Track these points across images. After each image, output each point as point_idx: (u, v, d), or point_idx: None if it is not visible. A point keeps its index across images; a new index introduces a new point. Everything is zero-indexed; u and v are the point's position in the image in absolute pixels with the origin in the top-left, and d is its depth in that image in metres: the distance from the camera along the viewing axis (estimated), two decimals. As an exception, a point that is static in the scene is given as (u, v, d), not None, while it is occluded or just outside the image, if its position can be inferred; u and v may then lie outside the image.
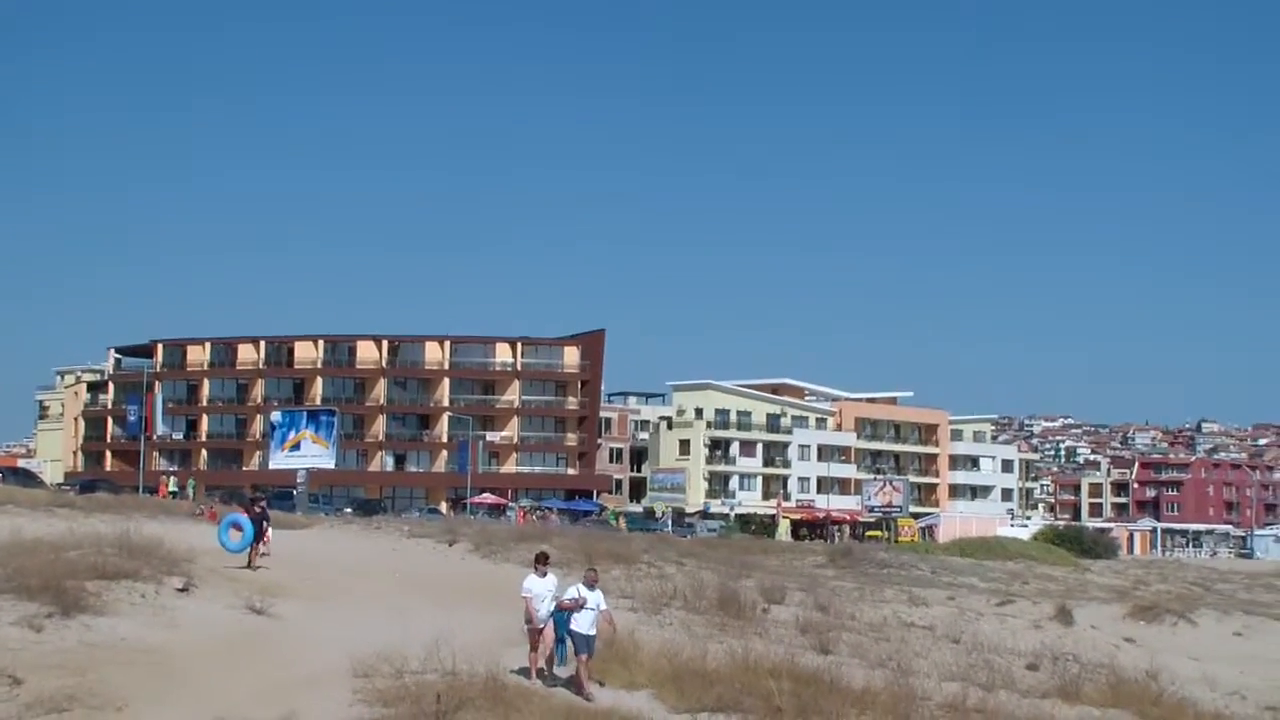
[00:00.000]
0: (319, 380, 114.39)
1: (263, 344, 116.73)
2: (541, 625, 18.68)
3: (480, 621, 22.65)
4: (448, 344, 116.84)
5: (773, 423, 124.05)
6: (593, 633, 18.10)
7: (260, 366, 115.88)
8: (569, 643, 18.35)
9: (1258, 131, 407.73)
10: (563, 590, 18.87)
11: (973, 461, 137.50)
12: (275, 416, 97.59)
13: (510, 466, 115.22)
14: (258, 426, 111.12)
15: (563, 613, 18.30)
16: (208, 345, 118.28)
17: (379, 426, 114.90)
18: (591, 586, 18.57)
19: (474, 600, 26.24)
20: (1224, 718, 21.19)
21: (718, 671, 19.43)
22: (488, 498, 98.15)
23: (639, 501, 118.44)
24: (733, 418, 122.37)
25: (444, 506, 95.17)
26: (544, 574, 19.16)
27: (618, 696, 18.16)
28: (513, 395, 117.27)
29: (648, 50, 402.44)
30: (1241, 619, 42.87)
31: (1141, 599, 46.18)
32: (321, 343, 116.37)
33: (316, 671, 17.75)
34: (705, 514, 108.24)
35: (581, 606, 18.07)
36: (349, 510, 75.52)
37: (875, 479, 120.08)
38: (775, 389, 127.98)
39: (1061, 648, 29.90)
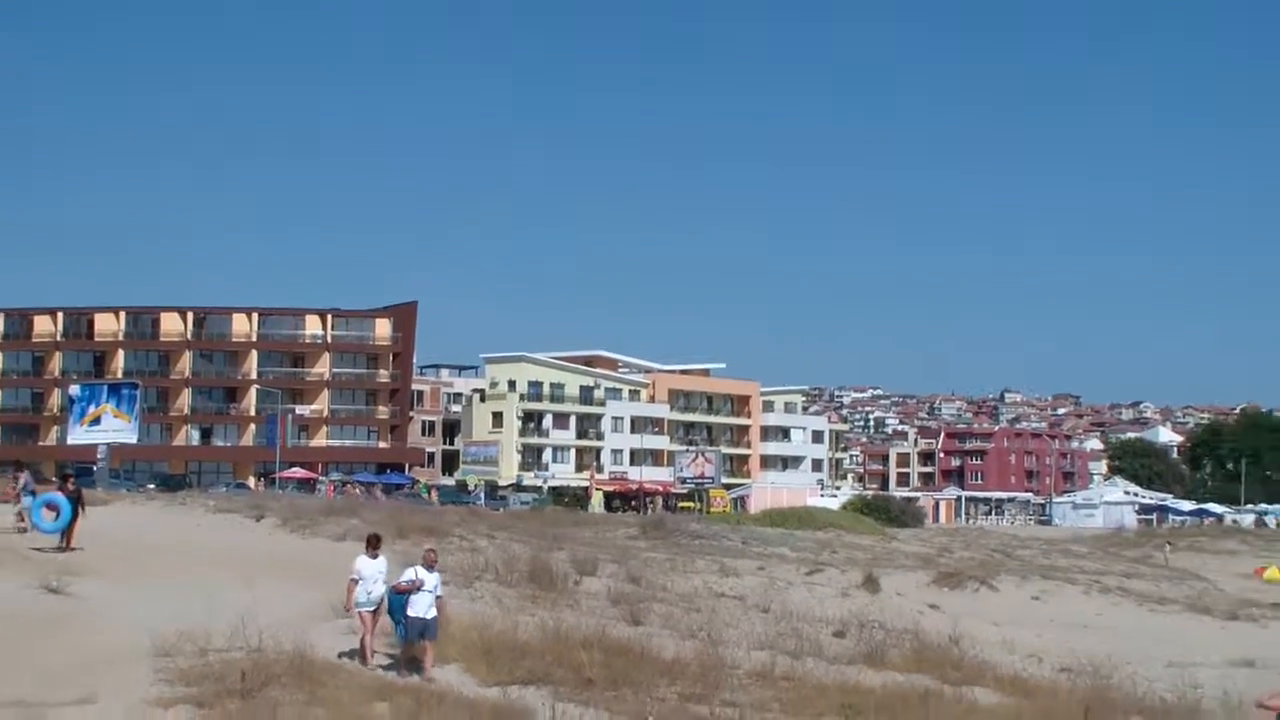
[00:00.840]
0: (120, 353, 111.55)
1: (60, 315, 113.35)
2: (371, 609, 18.16)
3: (288, 597, 22.38)
4: (255, 316, 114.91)
5: (586, 395, 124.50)
6: (432, 616, 17.65)
7: (58, 339, 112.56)
8: (406, 625, 17.69)
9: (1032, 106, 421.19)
10: (396, 574, 18.52)
11: (784, 432, 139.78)
12: (74, 390, 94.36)
13: (320, 440, 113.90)
14: (55, 400, 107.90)
15: (400, 595, 17.74)
16: (0, 316, 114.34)
17: (184, 400, 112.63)
18: (430, 568, 18.16)
19: (282, 576, 25.86)
20: (1021, 680, 21.88)
21: (529, 644, 19.49)
22: (297, 472, 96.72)
23: (452, 475, 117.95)
24: (546, 390, 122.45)
25: (252, 481, 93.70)
26: (375, 556, 18.63)
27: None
28: (322, 368, 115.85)
29: (455, 28, 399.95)
30: (1039, 584, 44.36)
31: (945, 566, 47.42)
32: (123, 314, 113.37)
33: (117, 651, 17.33)
34: (518, 487, 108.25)
35: (419, 588, 17.61)
36: (152, 486, 73.78)
37: (688, 450, 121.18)
38: (589, 361, 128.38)
39: (868, 615, 30.55)
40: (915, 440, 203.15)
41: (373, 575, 18.30)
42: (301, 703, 14.60)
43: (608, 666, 18.18)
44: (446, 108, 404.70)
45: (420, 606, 17.54)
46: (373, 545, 18.98)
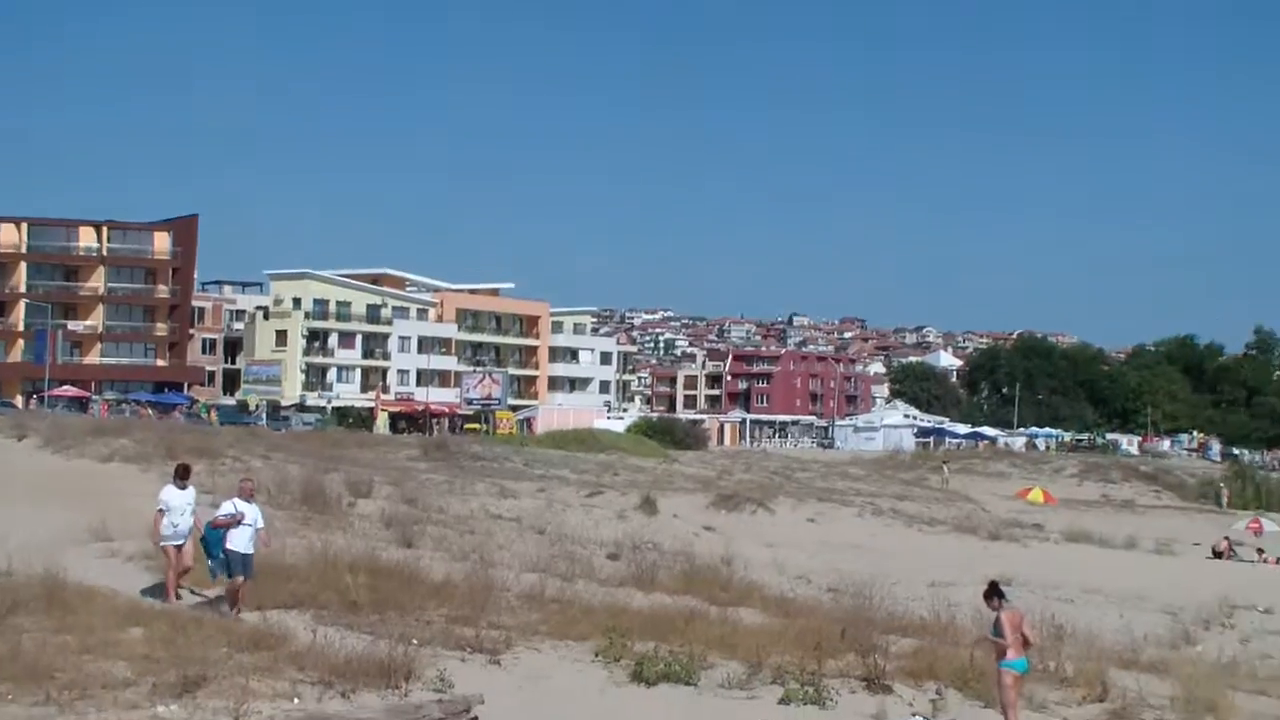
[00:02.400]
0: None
1: None
2: (178, 544, 17.52)
3: (44, 520, 21.79)
4: (24, 226, 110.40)
5: (373, 314, 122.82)
6: (251, 551, 17.04)
7: None
8: (225, 562, 17.01)
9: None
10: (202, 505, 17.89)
11: (572, 354, 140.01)
12: None
13: (94, 358, 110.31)
14: None
15: (217, 530, 17.06)
16: None
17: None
18: (249, 499, 17.53)
19: (39, 498, 25.15)
20: (787, 600, 22.46)
21: (295, 567, 19.34)
22: (68, 390, 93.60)
23: (233, 394, 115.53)
24: (332, 308, 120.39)
25: (19, 400, 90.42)
26: (184, 486, 17.99)
27: (185, 596, 17.88)
28: (97, 282, 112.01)
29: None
30: (815, 506, 45.51)
31: (724, 489, 48.28)
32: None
33: None
34: (302, 407, 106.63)
35: (239, 522, 16.97)
36: (-92, 404, 70.80)
37: (475, 371, 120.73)
38: (376, 279, 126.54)
39: (643, 537, 31.04)
40: (703, 363, 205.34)
41: (180, 506, 17.71)
42: (50, 629, 14.23)
43: (374, 590, 18.13)
44: (233, 22, 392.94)
45: (240, 541, 16.91)
46: (181, 475, 18.30)
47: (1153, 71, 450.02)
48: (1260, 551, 44.05)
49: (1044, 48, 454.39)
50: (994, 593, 13.89)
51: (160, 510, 17.62)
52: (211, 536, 17.18)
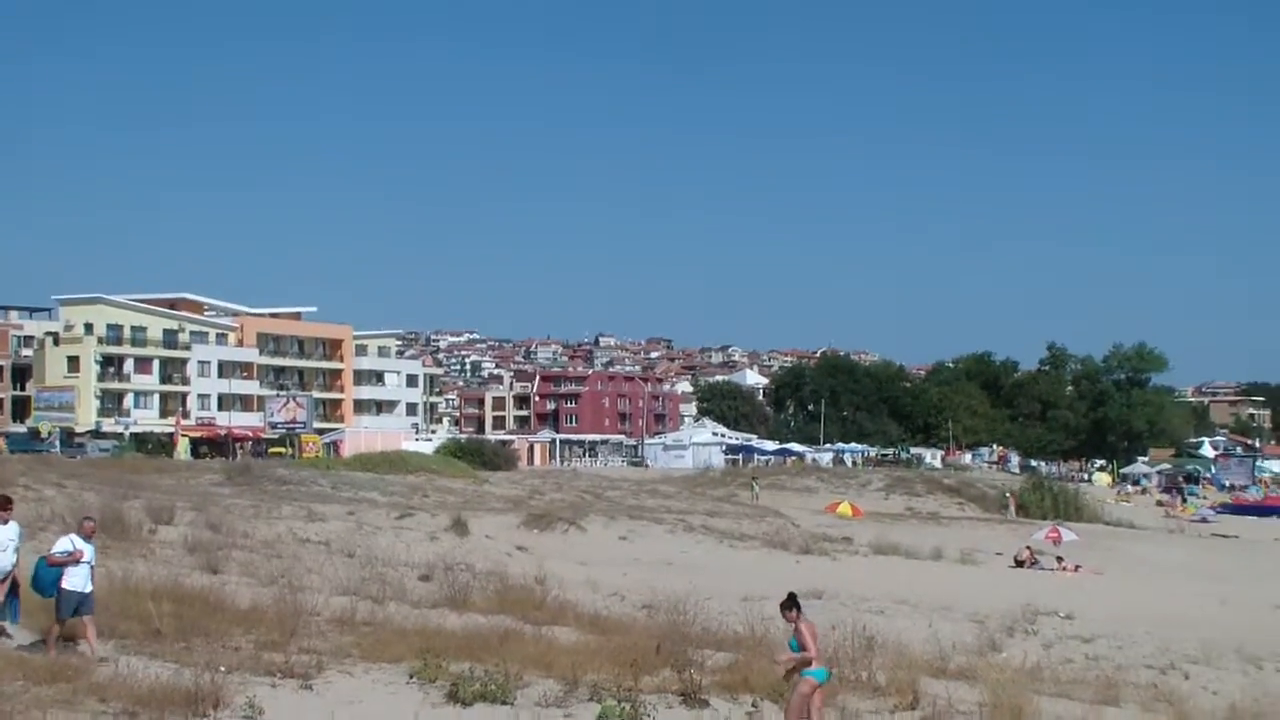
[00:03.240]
0: None
1: None
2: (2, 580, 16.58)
3: None
4: None
5: (170, 339, 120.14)
6: (89, 589, 16.13)
7: None
8: (58, 602, 15.94)
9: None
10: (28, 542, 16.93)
11: (378, 376, 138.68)
12: None
13: None
14: None
15: (52, 569, 16.04)
16: None
17: None
18: (88, 538, 16.58)
19: None
20: (602, 617, 22.47)
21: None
22: None
23: (23, 422, 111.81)
24: (126, 333, 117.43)
25: None
26: (5, 520, 16.95)
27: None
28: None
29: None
30: (627, 524, 45.68)
31: (536, 508, 48.22)
32: None
33: None
34: (97, 433, 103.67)
35: (78, 561, 16.04)
36: None
37: (278, 395, 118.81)
38: (173, 304, 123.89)
39: (455, 558, 30.80)
40: (511, 384, 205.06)
41: (3, 543, 16.74)
42: None
43: (179, 617, 17.70)
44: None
45: (78, 580, 16.00)
46: (2, 508, 17.17)
47: (938, 87, 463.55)
48: (1059, 560, 45.37)
49: (825, 59, 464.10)
50: (791, 604, 14.02)
51: None
52: (45, 576, 16.19)
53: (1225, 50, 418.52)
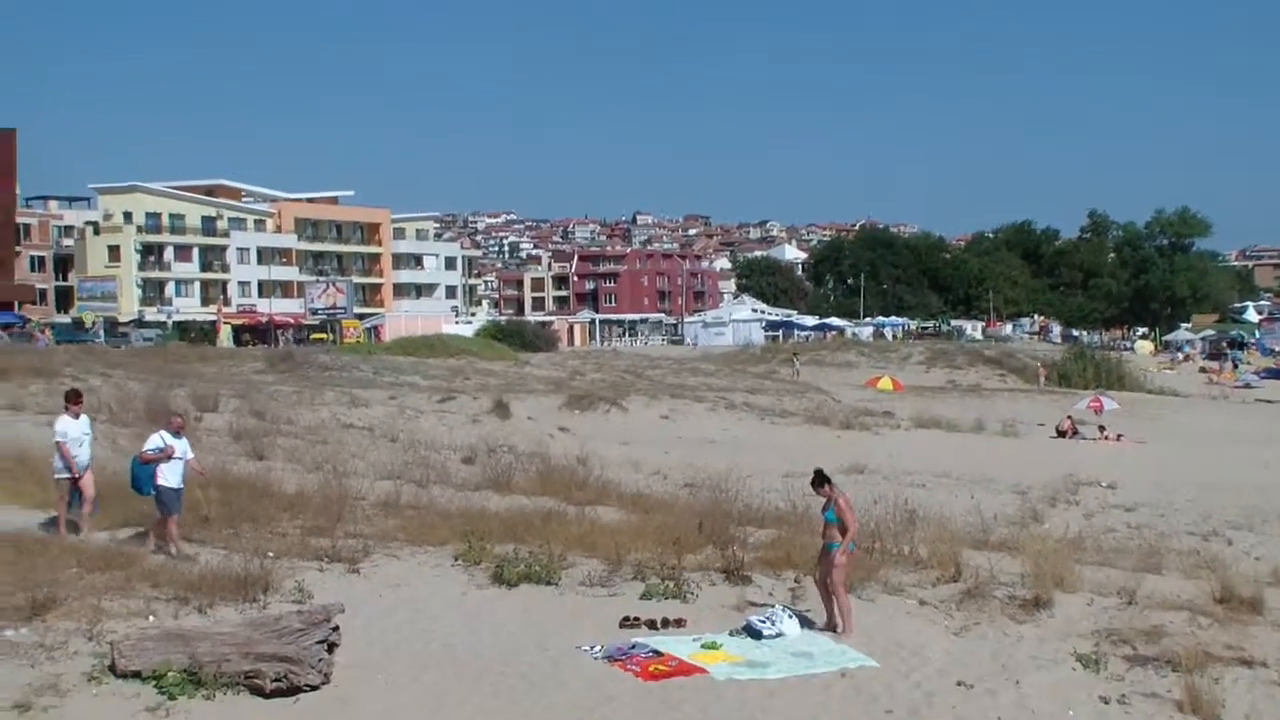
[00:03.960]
0: None
1: None
2: (80, 474, 16.57)
3: None
4: None
5: (208, 226, 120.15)
6: (182, 486, 16.24)
7: None
8: (158, 499, 16.04)
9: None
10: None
11: (416, 260, 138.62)
12: None
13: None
14: None
15: (146, 465, 16.14)
16: None
17: None
18: (178, 433, 16.57)
19: None
20: (644, 496, 22.62)
21: (142, 486, 18.96)
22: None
23: (67, 312, 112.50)
24: (165, 221, 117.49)
25: None
26: (77, 415, 16.97)
27: (22, 515, 17.37)
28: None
29: None
30: (668, 403, 45.83)
31: (576, 389, 48.39)
32: None
33: None
34: (141, 322, 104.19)
35: (170, 457, 16.13)
36: None
37: (318, 280, 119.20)
38: (210, 190, 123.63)
39: (497, 440, 31.05)
40: (549, 264, 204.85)
41: (78, 436, 16.84)
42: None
43: (226, 504, 17.91)
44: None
45: (173, 476, 16.12)
46: (73, 401, 17.17)
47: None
48: (1102, 429, 45.34)
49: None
50: (823, 479, 14.07)
51: (60, 441, 16.70)
52: (141, 473, 16.26)
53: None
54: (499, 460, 26.08)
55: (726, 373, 66.27)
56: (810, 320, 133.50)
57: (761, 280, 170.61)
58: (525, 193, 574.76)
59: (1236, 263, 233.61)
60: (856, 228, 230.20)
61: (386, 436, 31.45)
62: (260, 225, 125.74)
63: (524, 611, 14.00)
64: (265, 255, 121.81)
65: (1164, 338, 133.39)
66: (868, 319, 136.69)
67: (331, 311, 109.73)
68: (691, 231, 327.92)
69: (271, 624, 11.56)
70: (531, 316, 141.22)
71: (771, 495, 22.29)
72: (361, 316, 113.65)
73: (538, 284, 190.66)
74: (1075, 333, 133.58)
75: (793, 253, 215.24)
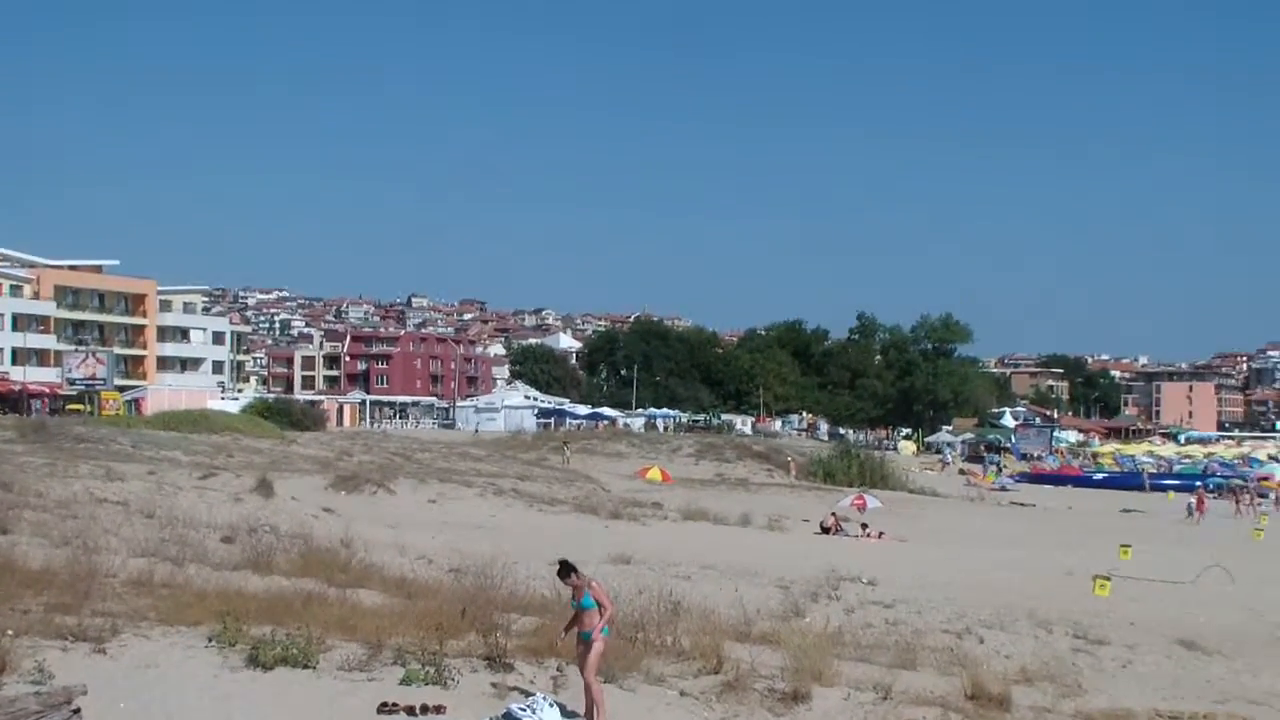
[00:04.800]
0: None
1: None
2: None
3: None
4: None
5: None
6: None
7: None
8: None
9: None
10: None
11: (182, 333, 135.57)
12: None
13: None
14: None
15: None
16: None
17: None
18: None
19: None
20: (410, 581, 22.32)
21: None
22: None
23: None
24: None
25: None
26: None
27: None
28: None
29: None
30: (437, 487, 45.46)
31: (343, 469, 47.70)
32: None
33: None
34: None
35: None
36: None
37: (77, 350, 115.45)
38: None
39: (259, 520, 30.34)
40: (321, 343, 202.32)
41: None
42: None
43: (-38, 582, 17.10)
44: None
45: None
46: None
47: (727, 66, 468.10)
48: (864, 526, 46.32)
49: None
50: (569, 569, 14.11)
51: None
52: None
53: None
54: (260, 540, 25.47)
55: (497, 458, 66.05)
56: (583, 409, 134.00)
57: (535, 367, 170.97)
58: (298, 270, 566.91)
59: (996, 369, 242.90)
60: (631, 319, 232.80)
61: (143, 512, 30.47)
62: (16, 291, 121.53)
63: (278, 695, 13.62)
64: (21, 322, 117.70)
65: (926, 439, 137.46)
66: (640, 410, 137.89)
67: (90, 382, 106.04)
68: (467, 316, 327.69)
69: (6, 706, 11.05)
70: (301, 395, 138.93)
71: (536, 582, 22.19)
72: (123, 388, 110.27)
73: (308, 362, 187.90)
74: (842, 431, 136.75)
75: (567, 341, 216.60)
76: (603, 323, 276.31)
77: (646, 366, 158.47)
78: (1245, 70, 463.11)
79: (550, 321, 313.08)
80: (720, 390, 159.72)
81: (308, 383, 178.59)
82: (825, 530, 46.02)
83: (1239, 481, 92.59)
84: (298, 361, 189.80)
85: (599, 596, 13.78)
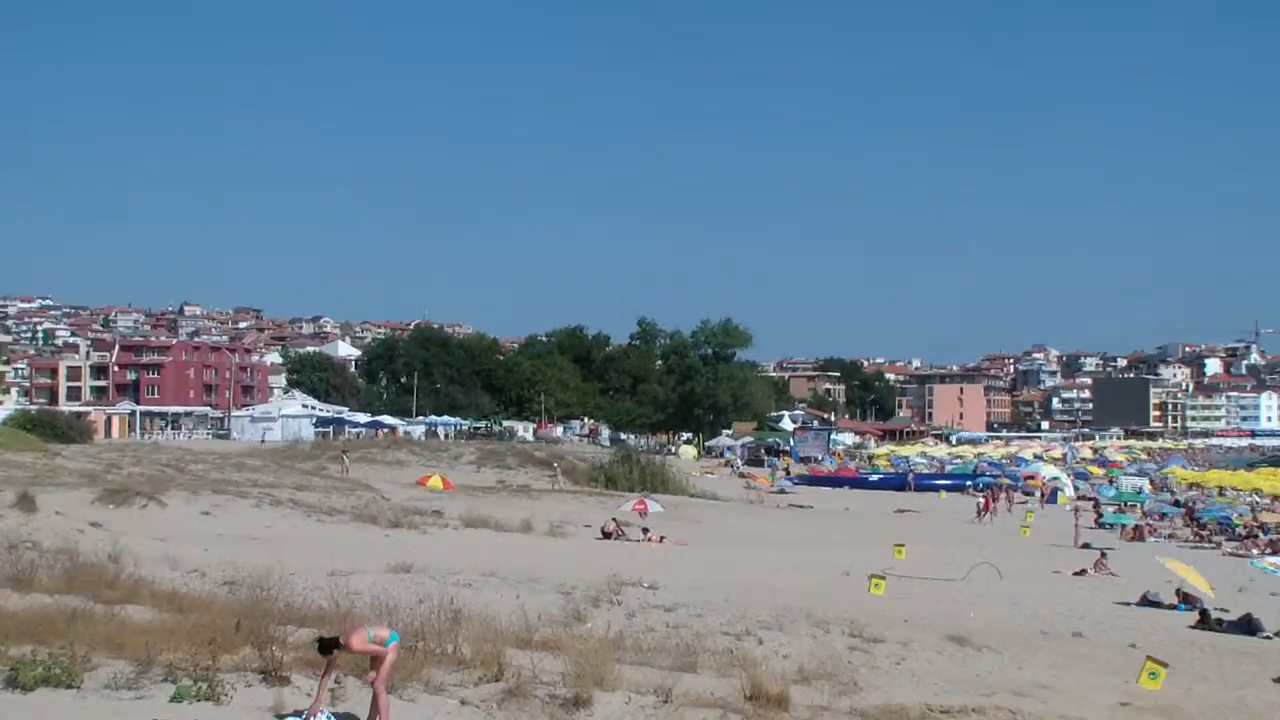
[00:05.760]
0: None
1: None
2: None
3: None
4: None
5: None
6: None
7: None
8: None
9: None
10: None
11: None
12: None
13: None
14: None
15: None
16: None
17: None
18: None
19: None
20: (181, 595, 21.74)
21: None
22: None
23: None
24: None
25: None
26: None
27: None
28: None
29: None
30: (211, 498, 44.36)
31: (111, 482, 46.26)
32: None
33: None
34: None
35: None
36: None
37: None
38: None
39: (20, 536, 29.29)
40: (88, 353, 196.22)
41: None
42: None
43: None
44: None
45: None
46: None
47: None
48: (645, 531, 46.65)
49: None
50: (330, 645, 13.91)
51: None
52: None
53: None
54: (20, 556, 24.51)
55: (274, 469, 64.75)
56: (362, 417, 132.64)
57: (313, 376, 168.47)
58: (63, 278, 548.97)
59: (775, 374, 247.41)
60: (411, 326, 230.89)
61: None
62: None
63: (39, 718, 13.15)
64: None
65: (707, 443, 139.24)
66: (420, 417, 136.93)
67: None
68: (242, 324, 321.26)
69: None
70: (67, 406, 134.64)
71: (315, 594, 21.87)
72: None
73: (74, 373, 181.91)
74: (624, 436, 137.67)
75: (346, 349, 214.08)
76: (382, 330, 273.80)
77: (427, 374, 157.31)
78: (992, 73, 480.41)
79: (328, 329, 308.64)
80: (502, 397, 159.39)
81: (74, 394, 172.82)
82: (607, 535, 46.22)
83: (1008, 481, 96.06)
84: (63, 372, 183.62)
85: (379, 635, 13.72)
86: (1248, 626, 29.65)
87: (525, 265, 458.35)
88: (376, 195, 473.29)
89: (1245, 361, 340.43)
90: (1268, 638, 28.77)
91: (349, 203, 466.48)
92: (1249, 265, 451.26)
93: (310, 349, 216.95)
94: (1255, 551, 53.37)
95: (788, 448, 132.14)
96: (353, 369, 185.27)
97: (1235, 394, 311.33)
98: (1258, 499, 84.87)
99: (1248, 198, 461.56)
